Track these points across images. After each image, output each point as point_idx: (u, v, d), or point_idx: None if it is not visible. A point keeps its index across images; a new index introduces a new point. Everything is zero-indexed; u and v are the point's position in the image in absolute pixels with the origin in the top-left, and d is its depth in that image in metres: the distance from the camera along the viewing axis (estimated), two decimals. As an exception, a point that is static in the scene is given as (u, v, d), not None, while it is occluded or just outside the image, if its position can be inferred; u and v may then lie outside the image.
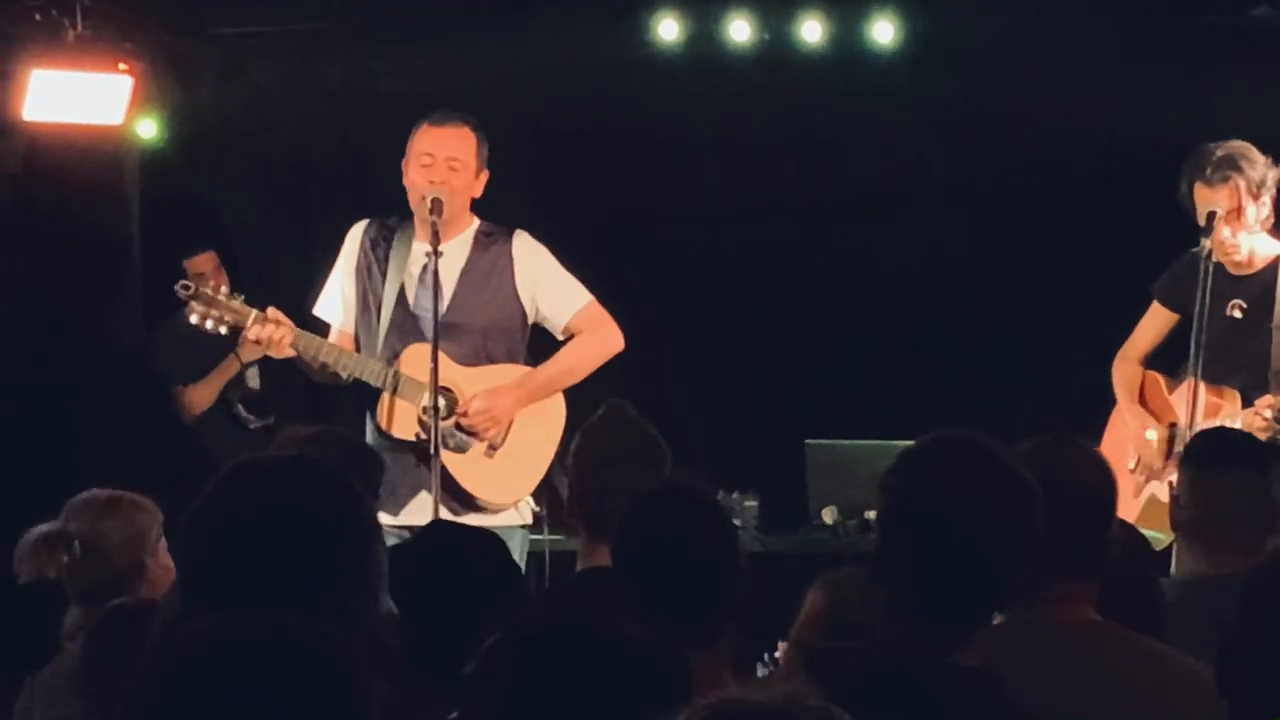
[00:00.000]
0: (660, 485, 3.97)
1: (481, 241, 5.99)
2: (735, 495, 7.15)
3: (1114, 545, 3.37)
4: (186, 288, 5.77)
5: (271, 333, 5.72)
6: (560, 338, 6.06)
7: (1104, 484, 3.44)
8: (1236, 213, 6.09)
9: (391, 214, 6.03)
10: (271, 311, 5.78)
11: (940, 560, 2.88)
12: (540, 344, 6.05)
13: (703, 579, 3.49)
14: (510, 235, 6.02)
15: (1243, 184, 6.08)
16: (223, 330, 5.80)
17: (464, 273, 5.91)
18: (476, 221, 5.98)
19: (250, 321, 5.74)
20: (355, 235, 6.04)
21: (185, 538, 2.60)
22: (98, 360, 7.79)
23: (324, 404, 7.17)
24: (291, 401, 7.71)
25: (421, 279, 5.89)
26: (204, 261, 7.98)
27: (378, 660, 2.54)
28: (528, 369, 5.99)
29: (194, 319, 5.78)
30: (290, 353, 5.78)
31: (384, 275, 5.93)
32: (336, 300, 6.01)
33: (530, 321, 6.01)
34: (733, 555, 3.58)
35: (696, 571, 3.49)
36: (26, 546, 4.53)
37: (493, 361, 5.96)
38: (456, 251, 5.88)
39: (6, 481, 7.08)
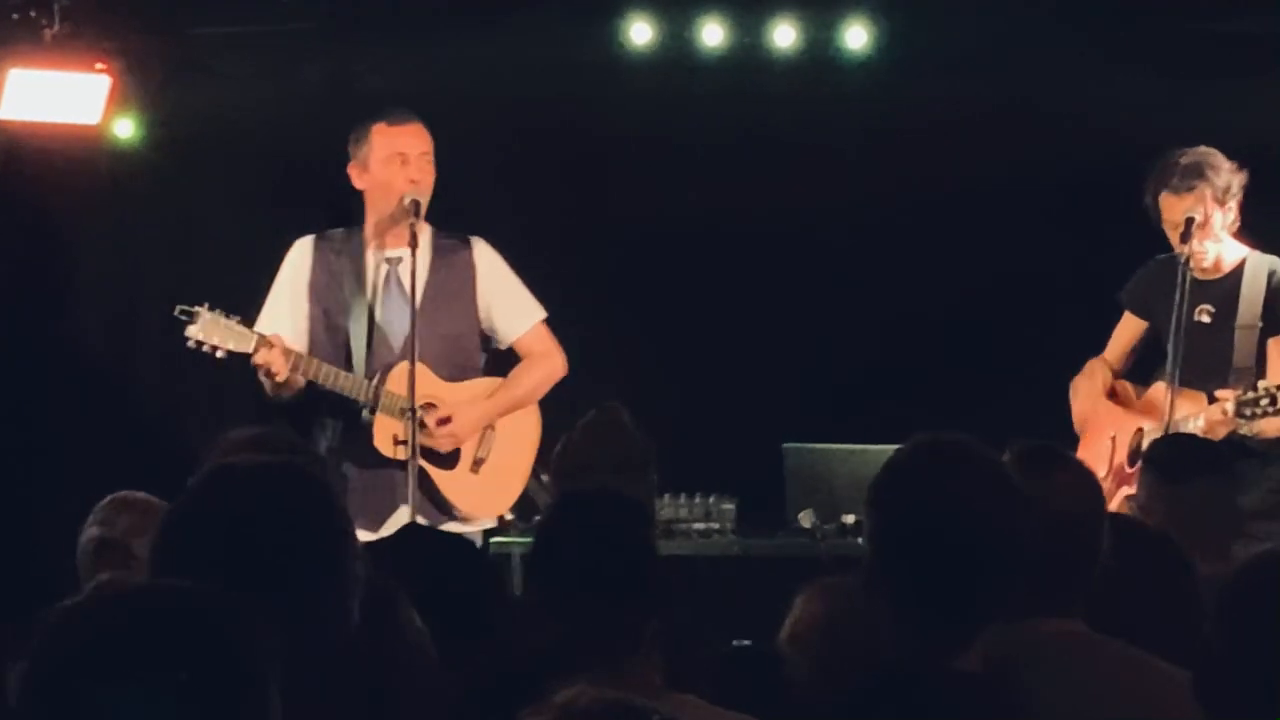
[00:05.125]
0: (580, 490, 3.83)
1: (441, 249, 5.92)
2: (713, 499, 7.18)
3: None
4: (186, 313, 5.64)
5: (277, 358, 5.64)
6: (502, 348, 6.05)
7: (1093, 506, 3.42)
8: (1203, 221, 6.11)
9: (331, 227, 5.97)
10: (275, 337, 5.71)
11: (937, 568, 2.89)
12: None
13: (612, 585, 3.28)
14: (469, 243, 5.98)
15: (1209, 192, 6.09)
16: (219, 355, 5.66)
17: (429, 282, 5.83)
18: (429, 228, 5.89)
19: (254, 346, 5.65)
20: (303, 253, 5.92)
21: (162, 537, 2.61)
22: (72, 359, 7.78)
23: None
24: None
25: (386, 289, 5.84)
26: None
27: (349, 665, 2.56)
28: (499, 382, 5.99)
29: (191, 343, 5.65)
30: (287, 375, 5.66)
31: (346, 293, 5.84)
32: (284, 318, 5.87)
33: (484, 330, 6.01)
34: (646, 560, 3.40)
35: (605, 577, 3.29)
36: (86, 558, 4.40)
37: (458, 368, 5.94)
38: (418, 260, 5.74)
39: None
